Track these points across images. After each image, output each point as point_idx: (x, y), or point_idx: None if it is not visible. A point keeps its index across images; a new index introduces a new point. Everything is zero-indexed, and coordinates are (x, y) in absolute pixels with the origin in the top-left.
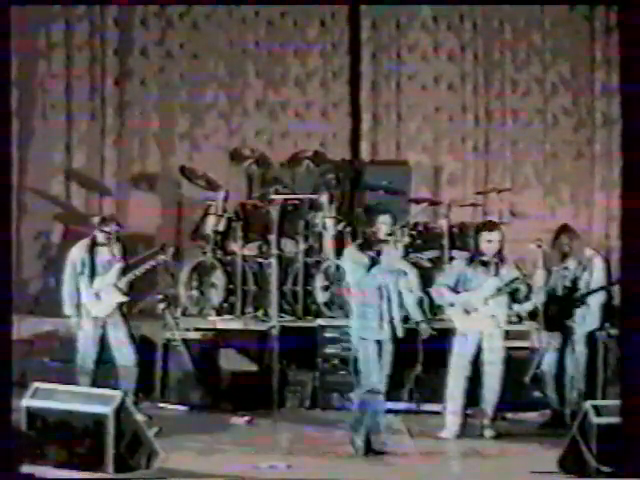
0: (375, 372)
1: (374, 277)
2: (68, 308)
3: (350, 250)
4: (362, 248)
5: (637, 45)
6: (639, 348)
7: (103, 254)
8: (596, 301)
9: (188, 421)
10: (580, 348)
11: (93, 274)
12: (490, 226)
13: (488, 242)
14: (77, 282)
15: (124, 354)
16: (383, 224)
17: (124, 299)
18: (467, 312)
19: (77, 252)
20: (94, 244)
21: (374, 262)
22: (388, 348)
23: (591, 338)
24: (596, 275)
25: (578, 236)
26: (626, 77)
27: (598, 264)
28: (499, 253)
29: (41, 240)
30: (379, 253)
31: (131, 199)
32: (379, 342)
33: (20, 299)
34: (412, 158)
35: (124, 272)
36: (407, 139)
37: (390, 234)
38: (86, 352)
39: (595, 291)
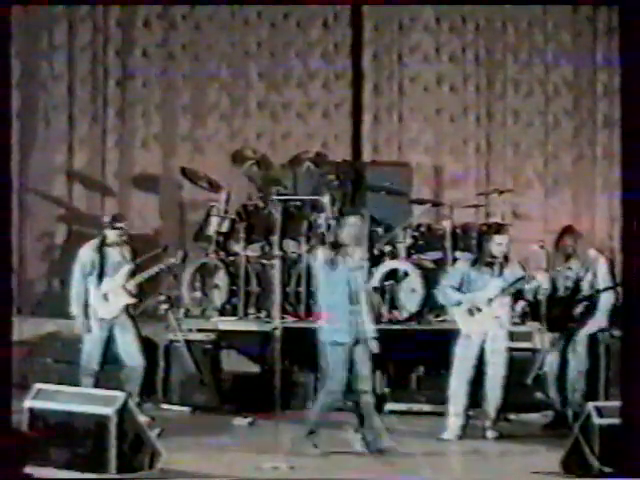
0: (342, 375)
1: (341, 279)
2: (75, 309)
3: (320, 252)
4: (332, 249)
5: (638, 46)
6: (639, 348)
7: (112, 255)
8: (599, 302)
9: (190, 422)
10: (582, 349)
11: (102, 275)
12: (500, 229)
13: (499, 245)
14: (85, 283)
15: (132, 356)
16: (352, 225)
17: (132, 301)
18: (471, 313)
19: (86, 252)
20: (103, 244)
21: (341, 263)
22: (360, 350)
23: (593, 339)
24: (601, 276)
25: (582, 237)
26: (627, 78)
27: (602, 265)
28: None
29: (44, 241)
30: (346, 254)
31: (133, 200)
32: (350, 344)
33: (23, 300)
34: (414, 159)
35: (133, 274)
36: (409, 140)
37: (358, 236)
38: (91, 353)
39: (598, 292)
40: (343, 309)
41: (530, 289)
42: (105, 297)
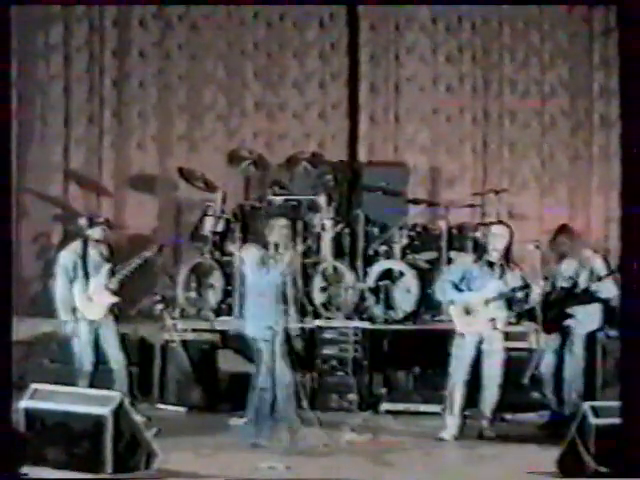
0: (268, 371)
1: (271, 278)
2: (63, 314)
3: (251, 251)
4: (262, 249)
5: (637, 45)
6: (639, 348)
7: (93, 256)
8: (596, 301)
9: (187, 422)
10: (579, 349)
11: (86, 277)
12: (500, 222)
13: (496, 235)
14: (70, 286)
15: (115, 356)
16: (280, 226)
17: (116, 300)
18: (468, 312)
19: (68, 256)
20: (85, 246)
21: (271, 263)
22: (285, 348)
23: (591, 339)
24: (597, 273)
25: (577, 236)
26: (625, 78)
27: (599, 264)
28: (506, 255)
29: (41, 241)
30: (275, 255)
31: (129, 200)
32: (274, 342)
33: (19, 300)
34: (410, 159)
35: (113, 273)
36: (405, 140)
37: (285, 236)
38: (82, 355)
39: (600, 279)
40: (270, 307)
41: (524, 299)
42: (90, 298)
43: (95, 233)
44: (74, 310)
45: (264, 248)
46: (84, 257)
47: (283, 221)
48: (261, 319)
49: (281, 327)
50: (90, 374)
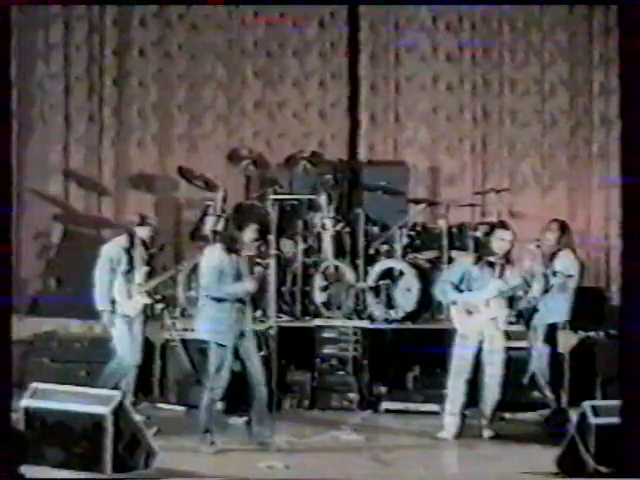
0: (224, 375)
1: (240, 282)
2: (101, 304)
3: (215, 252)
4: (229, 251)
5: (637, 45)
6: (638, 348)
7: (135, 255)
8: (553, 293)
9: (186, 421)
10: (540, 341)
11: (130, 271)
12: (504, 225)
13: (501, 240)
14: (111, 278)
15: (134, 354)
16: (251, 229)
17: (149, 301)
18: (469, 312)
19: (114, 247)
20: (131, 242)
21: (237, 266)
22: (248, 344)
23: (551, 332)
24: (559, 265)
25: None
26: (625, 77)
27: (567, 256)
28: (507, 255)
29: (40, 240)
30: (240, 257)
31: (129, 199)
32: (232, 344)
33: (19, 299)
34: (410, 158)
35: (149, 276)
36: (405, 139)
37: (256, 239)
38: (125, 350)
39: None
40: (233, 312)
41: (524, 297)
42: (129, 294)
43: (142, 231)
44: (113, 302)
45: (230, 250)
46: (129, 252)
47: (254, 226)
48: (218, 322)
49: (239, 327)
50: (135, 368)
